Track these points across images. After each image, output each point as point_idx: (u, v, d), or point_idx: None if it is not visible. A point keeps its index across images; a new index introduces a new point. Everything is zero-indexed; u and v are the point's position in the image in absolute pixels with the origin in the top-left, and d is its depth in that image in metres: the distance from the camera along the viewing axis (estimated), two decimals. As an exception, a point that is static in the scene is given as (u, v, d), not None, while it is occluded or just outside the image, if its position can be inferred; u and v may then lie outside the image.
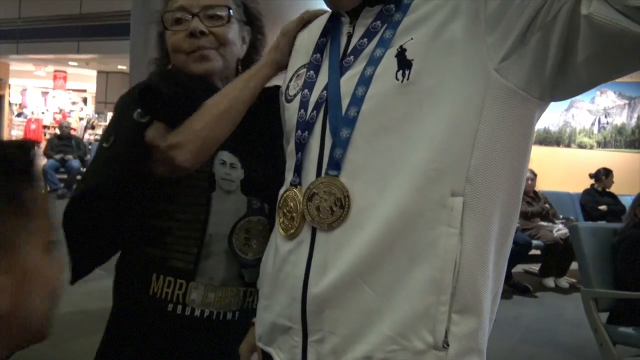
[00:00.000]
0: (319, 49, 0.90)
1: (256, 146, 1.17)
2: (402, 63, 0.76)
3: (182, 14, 1.13)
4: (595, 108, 8.58)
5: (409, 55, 0.76)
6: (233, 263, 1.12)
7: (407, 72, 0.75)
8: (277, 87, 1.06)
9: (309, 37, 0.96)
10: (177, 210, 1.11)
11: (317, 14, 1.00)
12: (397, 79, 0.76)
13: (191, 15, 1.12)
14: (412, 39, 0.77)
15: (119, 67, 12.15)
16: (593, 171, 6.51)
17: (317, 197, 0.80)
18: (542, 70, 0.72)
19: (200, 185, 1.10)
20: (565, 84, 0.73)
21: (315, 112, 0.84)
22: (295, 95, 0.90)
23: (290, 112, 0.90)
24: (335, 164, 0.79)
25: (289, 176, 0.89)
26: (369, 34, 0.83)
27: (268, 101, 1.10)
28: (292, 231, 0.84)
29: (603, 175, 6.36)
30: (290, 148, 0.89)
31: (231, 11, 1.15)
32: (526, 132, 0.77)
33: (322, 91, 0.84)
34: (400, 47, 0.77)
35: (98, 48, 10.99)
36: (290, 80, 0.94)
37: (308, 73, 0.89)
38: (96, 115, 14.27)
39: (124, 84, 10.44)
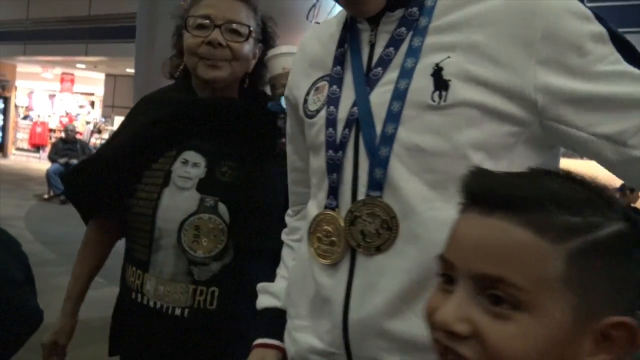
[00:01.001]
0: (339, 60, 0.84)
1: (231, 148, 1.21)
2: (438, 83, 0.73)
3: (206, 22, 1.19)
4: None
5: (445, 75, 0.73)
6: (181, 258, 1.17)
7: (444, 94, 0.72)
8: (264, 93, 1.20)
9: (321, 48, 0.90)
10: (133, 205, 1.21)
11: None
12: (433, 100, 0.73)
13: (214, 26, 1.18)
14: (449, 57, 0.73)
15: (127, 70, 12.02)
16: (616, 185, 6.28)
17: (360, 221, 0.77)
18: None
19: (156, 181, 1.19)
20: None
21: (347, 130, 0.80)
22: (317, 111, 0.85)
23: (315, 130, 0.85)
24: (377, 185, 0.76)
25: (320, 198, 0.84)
26: (394, 42, 0.79)
27: (253, 107, 1.24)
28: (333, 256, 0.80)
29: (628, 190, 6.16)
30: (317, 167, 0.86)
31: (251, 29, 1.21)
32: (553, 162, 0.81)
33: (352, 108, 0.80)
34: (437, 65, 0.74)
35: (106, 50, 10.90)
36: (308, 93, 0.88)
37: (331, 88, 0.83)
38: (103, 119, 14.13)
39: (132, 88, 10.37)
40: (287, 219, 1.05)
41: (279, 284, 0.99)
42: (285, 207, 1.06)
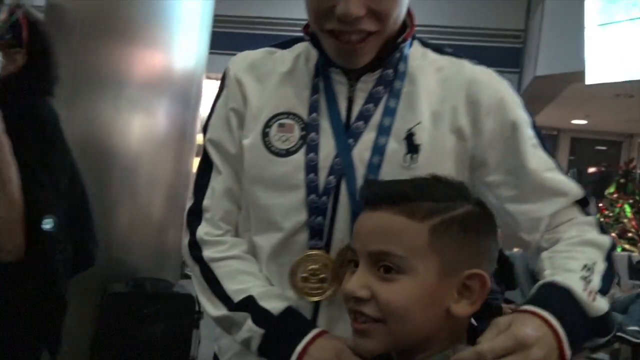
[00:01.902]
0: (314, 108, 0.90)
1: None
2: (410, 147, 0.85)
3: None
4: None
5: (416, 139, 0.85)
6: None
7: (415, 157, 0.85)
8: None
9: (281, 83, 0.93)
10: None
11: None
12: (405, 162, 0.85)
13: None
14: (420, 122, 0.86)
15: None
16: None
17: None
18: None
19: None
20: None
21: (332, 177, 0.86)
22: (290, 152, 0.89)
23: (287, 170, 0.88)
24: None
25: (299, 238, 0.88)
26: (373, 100, 0.88)
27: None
28: (325, 293, 0.86)
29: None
30: (281, 205, 0.89)
31: None
32: None
33: (335, 158, 0.87)
34: (409, 130, 0.86)
35: None
36: (269, 125, 0.91)
37: (310, 135, 0.88)
38: None
39: None
40: (212, 232, 0.94)
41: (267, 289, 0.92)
42: None
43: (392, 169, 0.85)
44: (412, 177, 0.79)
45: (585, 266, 0.78)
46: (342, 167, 0.86)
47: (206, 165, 0.97)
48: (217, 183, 0.95)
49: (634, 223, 7.03)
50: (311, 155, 0.88)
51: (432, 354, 0.71)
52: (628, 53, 5.11)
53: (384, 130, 0.86)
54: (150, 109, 2.71)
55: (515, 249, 5.23)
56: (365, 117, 0.87)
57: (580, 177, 8.99)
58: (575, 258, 0.79)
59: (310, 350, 0.81)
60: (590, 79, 5.31)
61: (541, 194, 0.87)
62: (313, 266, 0.86)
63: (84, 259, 1.45)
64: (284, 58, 0.95)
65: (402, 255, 0.69)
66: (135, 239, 2.75)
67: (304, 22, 0.89)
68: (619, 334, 3.79)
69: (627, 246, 6.79)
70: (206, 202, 0.94)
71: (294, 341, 0.82)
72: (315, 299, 0.87)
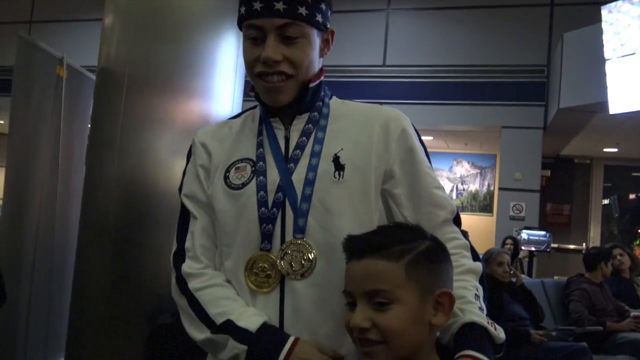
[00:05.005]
0: (260, 145, 1.14)
1: None
2: (337, 166, 1.08)
3: None
4: (453, 176, 9.65)
5: (341, 161, 1.09)
6: None
7: (342, 173, 1.08)
8: None
9: (234, 139, 1.18)
10: None
11: None
12: (334, 177, 1.08)
13: None
14: (342, 149, 1.10)
15: None
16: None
17: (288, 256, 1.05)
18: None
19: None
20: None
21: (280, 194, 1.08)
22: (244, 184, 1.10)
23: (244, 197, 1.10)
24: (300, 230, 1.06)
25: (253, 241, 1.08)
26: (305, 134, 1.12)
27: None
28: (270, 286, 1.06)
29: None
30: (242, 225, 1.09)
31: None
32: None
33: (280, 179, 1.09)
34: (335, 155, 1.09)
35: None
36: (228, 171, 1.13)
37: (258, 164, 1.12)
38: None
39: None
40: (194, 266, 1.12)
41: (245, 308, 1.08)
42: None
43: (324, 183, 1.07)
44: (347, 194, 1.07)
45: (476, 295, 1.04)
46: (284, 186, 1.08)
47: (184, 216, 1.17)
48: (195, 226, 1.14)
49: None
50: (261, 178, 1.09)
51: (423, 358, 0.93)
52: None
53: (315, 154, 1.10)
54: (190, 153, 2.85)
55: (556, 277, 5.24)
56: (300, 147, 1.11)
57: (620, 203, 8.86)
58: (467, 287, 1.05)
59: (295, 352, 0.97)
60: (614, 108, 5.28)
61: (430, 205, 1.12)
62: (262, 264, 1.06)
63: None
64: (235, 123, 1.21)
65: (389, 289, 0.89)
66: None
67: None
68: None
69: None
70: (187, 244, 1.13)
71: (276, 350, 0.98)
72: (261, 290, 1.06)
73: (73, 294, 2.96)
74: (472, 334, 0.96)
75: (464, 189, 9.59)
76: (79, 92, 3.55)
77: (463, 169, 9.65)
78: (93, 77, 3.36)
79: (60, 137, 3.34)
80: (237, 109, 3.18)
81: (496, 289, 3.66)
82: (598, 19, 5.44)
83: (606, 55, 5.34)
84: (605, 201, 8.85)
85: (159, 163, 2.84)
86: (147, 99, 2.86)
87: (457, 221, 1.15)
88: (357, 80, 7.38)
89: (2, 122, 9.84)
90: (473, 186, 9.60)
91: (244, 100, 3.27)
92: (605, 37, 5.37)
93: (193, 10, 3.00)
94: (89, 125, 3.25)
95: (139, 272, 2.79)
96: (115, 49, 2.95)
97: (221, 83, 3.08)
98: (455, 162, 9.65)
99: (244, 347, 1.00)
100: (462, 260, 1.09)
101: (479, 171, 9.60)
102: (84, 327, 2.85)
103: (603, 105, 5.39)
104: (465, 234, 1.14)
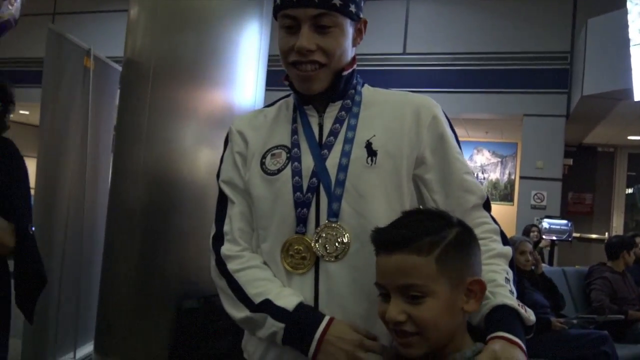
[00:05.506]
0: (295, 132, 1.18)
1: None
2: (370, 152, 1.12)
3: None
4: (473, 165, 9.48)
5: (374, 147, 1.12)
6: None
7: (374, 159, 1.12)
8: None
9: (270, 126, 1.22)
10: None
11: None
12: (367, 162, 1.11)
13: None
14: (374, 135, 1.13)
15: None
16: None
17: (323, 239, 1.09)
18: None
19: None
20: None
21: (314, 179, 1.11)
22: (279, 170, 1.14)
23: (280, 182, 1.14)
24: (334, 214, 1.10)
25: (289, 225, 1.12)
26: (339, 121, 1.16)
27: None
28: (305, 267, 1.10)
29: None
30: (278, 209, 1.13)
31: None
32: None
33: (314, 165, 1.12)
34: (368, 141, 1.12)
35: None
36: (264, 157, 1.17)
37: (293, 150, 1.15)
38: None
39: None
40: (232, 248, 1.16)
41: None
42: None
43: (357, 169, 1.10)
44: (379, 179, 1.10)
45: (506, 279, 1.06)
46: (318, 172, 1.11)
47: (222, 201, 1.21)
48: (232, 210, 1.18)
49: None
50: (295, 164, 1.13)
51: (457, 344, 0.95)
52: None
53: (348, 141, 1.13)
54: (214, 143, 2.83)
55: (577, 266, 5.21)
56: (334, 134, 1.15)
57: (644, 192, 8.75)
58: (497, 271, 1.06)
59: (330, 331, 1.02)
60: (639, 95, 5.23)
61: (461, 190, 1.14)
62: (298, 247, 1.10)
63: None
64: (270, 111, 1.26)
65: (422, 283, 0.89)
66: (204, 261, 2.94)
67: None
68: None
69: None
70: (226, 227, 1.18)
71: (312, 329, 1.03)
72: (297, 272, 1.10)
73: (102, 281, 3.04)
74: (503, 316, 0.97)
75: (484, 178, 9.53)
76: (105, 83, 3.63)
77: (484, 157, 9.60)
78: (119, 68, 3.42)
79: (88, 127, 3.41)
80: (260, 99, 3.22)
81: (517, 277, 3.64)
82: (623, 4, 5.36)
83: (631, 37, 5.24)
84: (629, 190, 8.72)
85: (184, 152, 2.89)
86: (172, 90, 2.90)
87: (487, 206, 1.17)
88: (377, 69, 7.36)
89: (27, 112, 10.03)
90: (494, 175, 9.55)
91: (266, 90, 3.31)
92: (630, 17, 5.28)
93: (216, 1, 3.04)
94: (115, 116, 3.32)
95: (165, 259, 2.86)
96: (140, 41, 3.00)
97: (244, 73, 3.11)
98: (475, 151, 9.60)
99: (282, 325, 1.04)
100: (492, 245, 1.10)
101: (499, 160, 9.54)
102: (112, 312, 2.94)
103: (628, 92, 5.33)
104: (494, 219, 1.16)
